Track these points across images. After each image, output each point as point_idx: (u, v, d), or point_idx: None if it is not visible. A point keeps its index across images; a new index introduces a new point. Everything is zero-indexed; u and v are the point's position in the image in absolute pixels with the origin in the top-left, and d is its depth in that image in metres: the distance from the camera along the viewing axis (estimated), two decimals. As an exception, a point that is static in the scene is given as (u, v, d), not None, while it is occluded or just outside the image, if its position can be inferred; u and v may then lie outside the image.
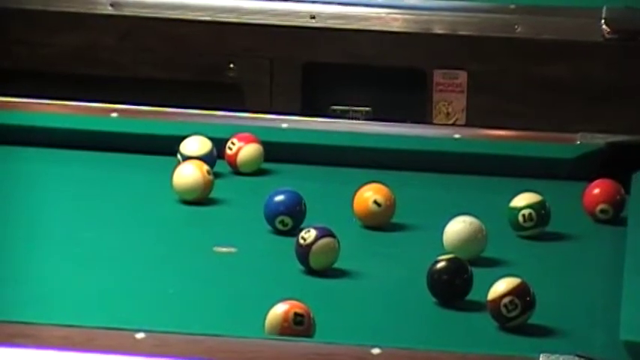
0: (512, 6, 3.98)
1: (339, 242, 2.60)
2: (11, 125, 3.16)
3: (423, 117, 3.89)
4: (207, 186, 2.91)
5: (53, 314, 2.32)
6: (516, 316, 2.41)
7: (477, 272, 2.50)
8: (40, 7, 4.08)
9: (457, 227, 2.65)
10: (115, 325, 2.24)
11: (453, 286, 2.49)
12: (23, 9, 4.08)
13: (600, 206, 2.89)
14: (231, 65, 3.97)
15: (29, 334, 2.21)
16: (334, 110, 3.92)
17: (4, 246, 2.68)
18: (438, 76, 3.95)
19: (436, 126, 3.70)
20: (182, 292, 2.52)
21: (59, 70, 4.03)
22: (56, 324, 2.24)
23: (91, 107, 3.27)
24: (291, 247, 2.60)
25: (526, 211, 2.75)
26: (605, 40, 3.86)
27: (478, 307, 2.44)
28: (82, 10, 4.08)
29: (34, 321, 2.23)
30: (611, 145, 3.11)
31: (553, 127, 3.21)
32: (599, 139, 3.11)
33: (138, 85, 3.88)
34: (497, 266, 2.61)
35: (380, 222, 2.81)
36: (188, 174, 2.91)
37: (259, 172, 3.04)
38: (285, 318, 2.31)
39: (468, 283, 2.49)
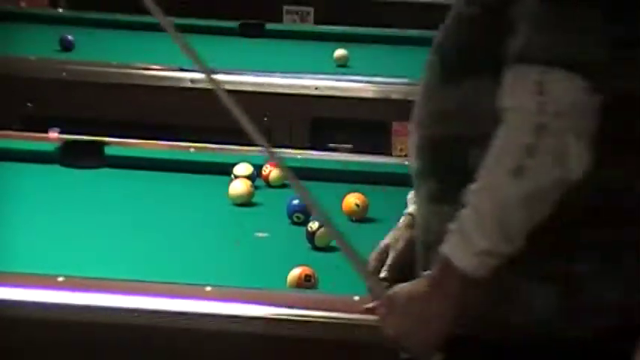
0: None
1: (333, 229, 2.60)
2: (129, 156, 3.17)
3: (386, 150, 3.89)
4: (250, 195, 2.90)
5: (150, 274, 2.32)
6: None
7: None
8: (146, 82, 4.10)
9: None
10: (190, 282, 2.24)
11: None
12: (138, 84, 4.10)
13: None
14: (265, 119, 3.96)
15: (135, 287, 2.21)
16: (330, 146, 3.91)
17: (139, 231, 2.68)
18: (395, 125, 3.95)
19: (394, 157, 3.69)
20: (234, 262, 2.52)
21: (158, 121, 4.03)
22: (150, 281, 2.24)
23: (177, 145, 3.27)
24: (303, 233, 2.60)
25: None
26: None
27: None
28: (171, 84, 4.09)
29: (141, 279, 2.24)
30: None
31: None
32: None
33: (207, 131, 3.87)
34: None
35: (359, 217, 2.80)
36: (238, 187, 2.91)
37: (283, 186, 3.03)
38: (299, 277, 2.31)
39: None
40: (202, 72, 1.88)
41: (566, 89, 1.55)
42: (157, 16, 1.86)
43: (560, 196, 1.58)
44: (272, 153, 1.91)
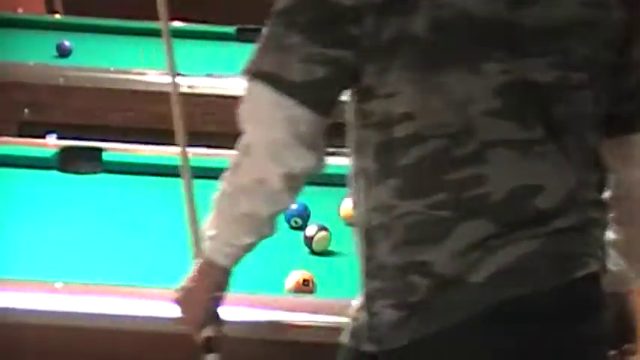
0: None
1: (331, 234, 2.60)
2: (126, 162, 3.17)
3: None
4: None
5: (148, 279, 2.32)
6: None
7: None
8: (143, 88, 4.10)
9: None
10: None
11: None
12: (135, 89, 4.10)
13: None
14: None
15: (133, 292, 2.22)
16: (329, 150, 3.91)
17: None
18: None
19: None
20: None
21: (155, 127, 4.04)
22: (147, 286, 2.25)
23: (175, 151, 3.25)
24: (301, 237, 2.60)
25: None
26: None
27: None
28: (168, 89, 4.09)
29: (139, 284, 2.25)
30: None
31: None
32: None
33: (204, 136, 3.87)
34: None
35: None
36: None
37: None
38: (297, 281, 2.32)
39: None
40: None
41: (258, 100, 1.79)
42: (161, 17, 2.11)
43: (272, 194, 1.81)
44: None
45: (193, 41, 4.76)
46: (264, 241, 2.65)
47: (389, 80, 1.73)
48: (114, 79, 4.11)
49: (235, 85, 4.04)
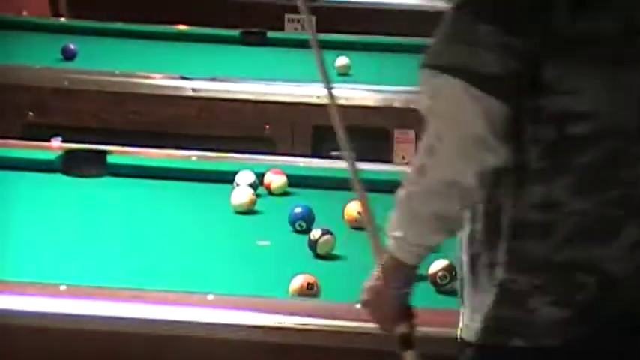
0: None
1: (335, 237, 2.60)
2: (131, 165, 3.17)
3: (387, 159, 3.89)
4: (252, 203, 2.91)
5: (152, 282, 2.33)
6: (446, 284, 2.41)
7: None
8: (148, 91, 4.11)
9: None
10: (193, 290, 2.24)
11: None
12: (140, 92, 4.11)
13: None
14: (267, 127, 3.98)
15: (137, 296, 2.22)
16: (332, 154, 3.92)
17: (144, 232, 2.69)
18: (397, 133, 3.96)
19: (396, 164, 3.70)
20: (237, 270, 2.52)
21: (160, 130, 4.04)
22: (152, 289, 2.24)
23: (179, 153, 3.28)
24: (305, 241, 2.60)
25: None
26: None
27: (422, 278, 2.43)
28: (173, 92, 4.10)
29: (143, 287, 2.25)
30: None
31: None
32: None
33: (209, 139, 3.88)
34: (433, 253, 2.60)
35: (360, 225, 2.80)
36: (240, 195, 2.91)
37: (285, 194, 3.04)
38: (301, 285, 2.31)
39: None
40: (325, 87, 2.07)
41: (450, 95, 1.67)
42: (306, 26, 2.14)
43: (468, 194, 1.72)
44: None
45: (198, 44, 4.76)
46: (268, 246, 2.68)
47: (571, 76, 1.70)
48: (119, 82, 4.12)
49: (239, 88, 4.09)
